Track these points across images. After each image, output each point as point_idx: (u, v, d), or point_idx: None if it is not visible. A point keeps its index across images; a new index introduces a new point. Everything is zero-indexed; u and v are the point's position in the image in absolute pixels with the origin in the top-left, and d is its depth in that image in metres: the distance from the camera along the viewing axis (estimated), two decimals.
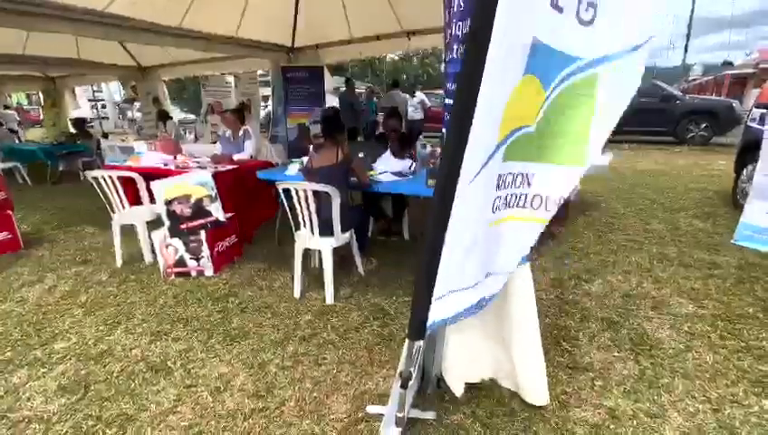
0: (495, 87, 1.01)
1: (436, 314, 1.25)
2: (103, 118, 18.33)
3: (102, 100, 18.80)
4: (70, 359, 2.04)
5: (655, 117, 8.56)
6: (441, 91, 13.35)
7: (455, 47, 1.28)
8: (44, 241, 3.80)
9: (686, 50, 20.67)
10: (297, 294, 2.60)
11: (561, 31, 1.09)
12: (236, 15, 5.28)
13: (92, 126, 16.73)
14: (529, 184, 1.37)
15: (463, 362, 1.75)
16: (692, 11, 20.38)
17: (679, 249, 3.19)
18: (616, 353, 1.96)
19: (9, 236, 3.52)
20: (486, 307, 1.70)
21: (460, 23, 1.23)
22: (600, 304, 2.42)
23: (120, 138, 10.85)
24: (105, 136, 8.55)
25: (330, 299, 2.51)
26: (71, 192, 5.92)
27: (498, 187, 1.23)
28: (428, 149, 3.11)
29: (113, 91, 17.18)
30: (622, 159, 7.49)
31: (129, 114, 17.47)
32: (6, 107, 14.62)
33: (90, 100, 18.76)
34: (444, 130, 1.36)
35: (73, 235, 3.97)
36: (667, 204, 4.48)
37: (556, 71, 1.15)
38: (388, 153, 3.23)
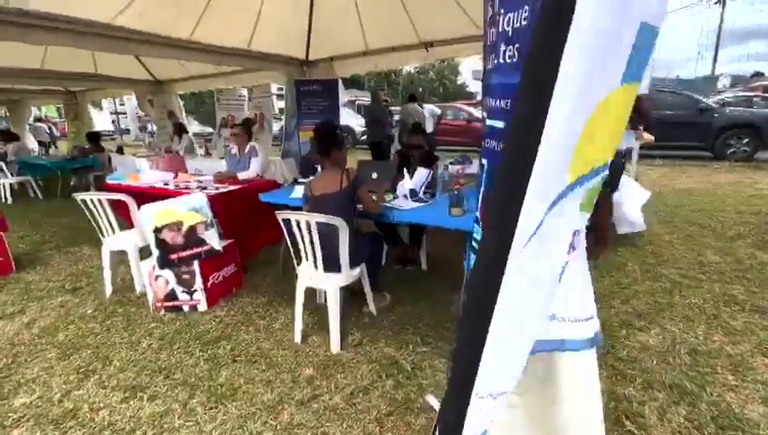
0: (569, 104, 0.65)
1: (472, 427, 0.88)
2: (125, 131, 18.70)
3: (124, 113, 19.20)
4: (28, 420, 1.73)
5: (690, 131, 7.98)
6: (458, 104, 13.12)
7: (501, 49, 0.93)
8: (38, 263, 3.57)
9: (714, 60, 19.87)
10: (298, 339, 2.24)
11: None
12: (249, 28, 5.10)
13: (114, 138, 17.09)
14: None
15: None
16: (721, 21, 19.64)
17: (747, 289, 2.71)
18: None
19: (0, 260, 3.30)
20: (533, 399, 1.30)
21: (510, 14, 0.88)
22: (664, 364, 1.98)
23: (134, 151, 10.88)
24: (120, 150, 8.50)
25: (335, 347, 2.15)
26: (78, 208, 5.76)
27: (572, 249, 0.85)
28: (450, 169, 2.75)
29: (135, 104, 17.52)
30: (655, 177, 6.95)
31: (150, 127, 17.75)
32: (38, 119, 15.05)
33: (112, 113, 19.24)
34: (484, 160, 1.01)
35: (69, 256, 3.75)
36: (720, 230, 3.97)
37: (646, 61, 0.77)
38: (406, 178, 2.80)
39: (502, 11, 0.91)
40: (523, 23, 0.83)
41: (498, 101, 0.95)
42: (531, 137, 0.65)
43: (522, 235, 0.70)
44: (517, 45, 0.87)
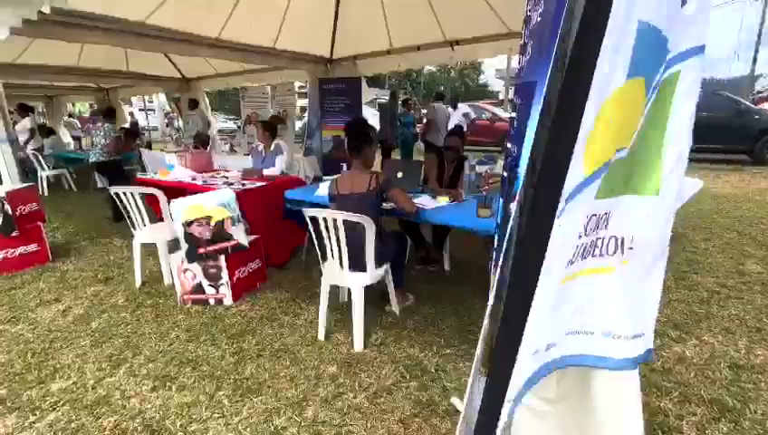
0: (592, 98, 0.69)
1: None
2: (153, 128, 19.25)
3: (152, 110, 19.80)
4: (63, 405, 1.79)
5: (728, 134, 7.61)
6: (481, 103, 13.00)
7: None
8: (72, 254, 3.72)
9: (754, 60, 18.85)
10: (321, 336, 2.25)
11: (663, 7, 0.76)
12: (275, 27, 5.16)
13: (144, 134, 17.64)
14: (606, 224, 0.99)
15: None
16: (762, 19, 18.64)
17: None
18: None
19: (38, 249, 3.45)
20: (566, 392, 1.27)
21: (541, 10, 0.86)
22: (703, 377, 1.88)
23: (162, 147, 11.21)
24: (149, 145, 8.77)
25: (359, 346, 2.14)
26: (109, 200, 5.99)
27: (583, 233, 0.88)
28: (478, 169, 2.70)
29: (163, 101, 18.07)
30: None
31: (176, 123, 18.23)
32: (71, 115, 15.65)
33: (140, 109, 19.87)
34: (520, 165, 0.98)
35: (101, 247, 3.89)
36: (760, 238, 3.76)
37: (660, 66, 0.82)
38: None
39: (538, 9, 0.88)
40: (539, 19, 0.82)
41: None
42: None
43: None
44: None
